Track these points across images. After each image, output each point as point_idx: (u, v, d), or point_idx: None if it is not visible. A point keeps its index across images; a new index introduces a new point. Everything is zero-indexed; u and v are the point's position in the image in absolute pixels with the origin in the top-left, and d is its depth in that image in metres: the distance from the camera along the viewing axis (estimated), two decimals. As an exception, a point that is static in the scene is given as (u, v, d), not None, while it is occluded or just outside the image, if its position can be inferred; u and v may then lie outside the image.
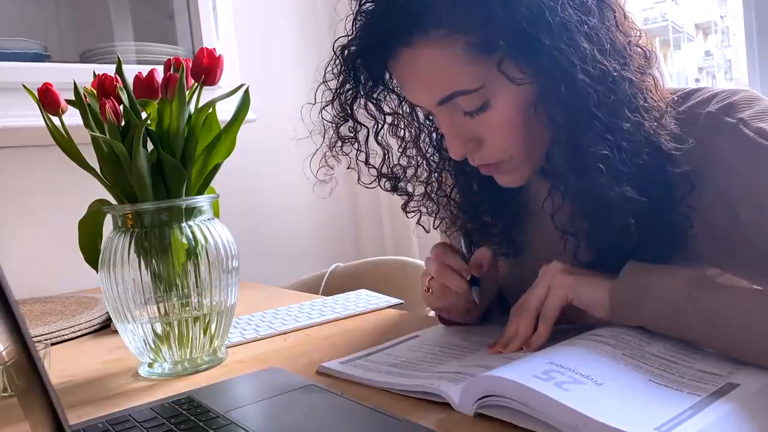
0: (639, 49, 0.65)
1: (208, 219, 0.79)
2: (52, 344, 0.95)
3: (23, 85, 0.79)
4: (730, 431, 0.47)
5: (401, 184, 0.80)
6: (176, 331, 0.76)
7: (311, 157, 0.78)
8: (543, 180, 0.75)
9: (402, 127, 0.77)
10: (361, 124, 0.75)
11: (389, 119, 0.76)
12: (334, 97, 0.73)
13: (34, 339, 0.80)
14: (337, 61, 0.72)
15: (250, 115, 0.81)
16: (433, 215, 0.83)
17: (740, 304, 0.57)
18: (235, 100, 0.80)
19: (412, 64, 0.65)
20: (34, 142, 1.33)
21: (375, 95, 0.74)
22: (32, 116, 0.81)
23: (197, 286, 0.76)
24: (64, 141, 0.76)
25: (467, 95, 0.64)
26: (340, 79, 0.72)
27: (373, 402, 0.60)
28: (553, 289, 0.67)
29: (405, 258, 1.49)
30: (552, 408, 0.48)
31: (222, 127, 0.79)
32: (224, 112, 0.80)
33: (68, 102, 0.77)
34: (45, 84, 0.76)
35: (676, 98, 0.68)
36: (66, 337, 0.98)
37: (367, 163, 0.78)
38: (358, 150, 0.77)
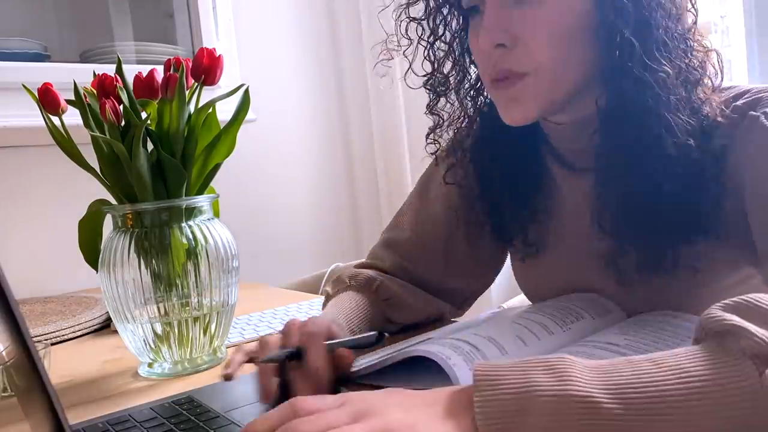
0: (691, 13, 0.64)
1: (208, 219, 0.79)
2: (52, 344, 0.95)
3: (23, 85, 0.79)
4: None
5: (439, 103, 0.78)
6: (176, 331, 0.76)
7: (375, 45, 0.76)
8: (572, 177, 0.74)
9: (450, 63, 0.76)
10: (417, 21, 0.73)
11: (443, 48, 0.75)
12: None
13: (34, 339, 0.80)
14: None
15: (250, 115, 0.81)
16: (452, 166, 0.80)
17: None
18: (235, 100, 0.80)
19: None
20: (34, 142, 1.33)
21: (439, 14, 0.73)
22: (32, 116, 0.81)
23: (197, 286, 0.76)
24: (64, 141, 0.76)
25: None
26: None
27: (373, 402, 0.60)
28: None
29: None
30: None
31: (222, 127, 0.79)
32: (224, 112, 0.80)
33: (68, 102, 0.77)
34: (45, 84, 0.76)
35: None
36: (66, 337, 0.98)
37: (431, 46, 0.75)
38: (420, 38, 0.74)
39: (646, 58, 0.60)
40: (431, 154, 0.82)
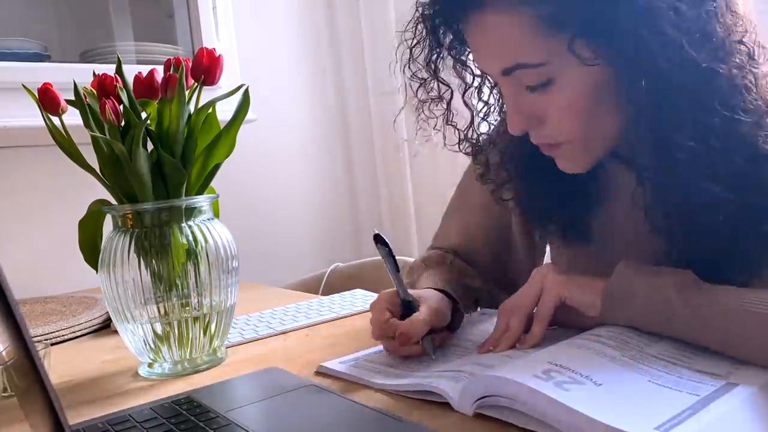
0: (743, 46, 0.60)
1: (208, 219, 0.79)
2: (52, 344, 0.95)
3: (23, 85, 0.79)
4: (729, 430, 0.47)
5: (481, 152, 0.80)
6: (176, 331, 0.76)
7: (396, 116, 0.81)
8: (625, 169, 0.72)
9: (488, 90, 0.76)
10: (445, 84, 0.74)
11: (476, 82, 0.76)
12: (413, 56, 0.73)
13: (34, 339, 0.80)
14: (418, 22, 0.71)
15: (250, 115, 0.81)
16: (504, 186, 0.81)
17: (729, 302, 0.57)
18: (235, 100, 0.80)
19: (480, 29, 0.63)
20: (34, 142, 1.33)
21: (462, 56, 0.73)
22: (32, 116, 0.81)
23: (197, 286, 0.76)
24: (64, 141, 0.76)
25: (531, 69, 0.62)
26: (423, 38, 0.71)
27: (373, 402, 0.60)
28: (547, 289, 0.67)
29: (405, 258, 1.49)
30: (552, 408, 0.48)
31: (222, 127, 0.79)
32: (224, 112, 0.80)
33: (68, 102, 0.77)
34: (45, 84, 0.76)
35: None
36: (66, 337, 0.98)
37: (449, 122, 0.77)
38: (446, 110, 0.76)
39: (672, 130, 0.58)
40: (467, 154, 0.82)
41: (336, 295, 1.14)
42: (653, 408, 0.49)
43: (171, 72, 0.75)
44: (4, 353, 0.40)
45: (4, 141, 1.30)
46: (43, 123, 0.76)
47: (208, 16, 1.40)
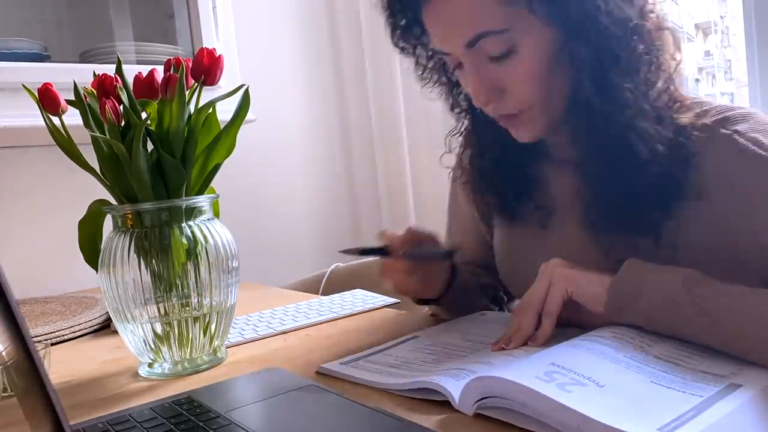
0: (653, 14, 0.68)
1: (208, 219, 0.79)
2: (52, 344, 0.95)
3: (23, 85, 0.79)
4: (733, 431, 0.47)
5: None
6: (176, 331, 0.76)
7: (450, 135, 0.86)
8: (564, 142, 0.76)
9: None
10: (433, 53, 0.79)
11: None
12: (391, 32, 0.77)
13: (34, 339, 0.80)
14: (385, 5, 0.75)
15: (250, 115, 0.81)
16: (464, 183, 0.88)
17: (736, 300, 0.58)
18: (235, 100, 0.80)
19: (442, 6, 0.68)
20: (34, 142, 1.33)
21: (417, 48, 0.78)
22: (32, 116, 0.81)
23: (197, 286, 0.76)
24: (64, 141, 0.76)
25: (494, 37, 0.66)
26: (390, 25, 0.76)
27: (373, 402, 0.60)
28: (553, 284, 0.68)
29: (405, 258, 1.49)
30: (553, 409, 0.48)
31: (222, 127, 0.79)
32: (224, 112, 0.80)
33: (68, 102, 0.77)
34: (45, 84, 0.76)
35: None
36: (66, 337, 0.98)
37: (451, 94, 0.83)
38: (439, 80, 0.82)
39: (609, 86, 0.66)
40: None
41: (336, 295, 1.14)
42: (656, 409, 0.49)
43: (171, 72, 0.75)
44: (4, 353, 0.40)
45: (4, 141, 1.30)
46: (43, 123, 0.76)
47: (208, 16, 1.40)
